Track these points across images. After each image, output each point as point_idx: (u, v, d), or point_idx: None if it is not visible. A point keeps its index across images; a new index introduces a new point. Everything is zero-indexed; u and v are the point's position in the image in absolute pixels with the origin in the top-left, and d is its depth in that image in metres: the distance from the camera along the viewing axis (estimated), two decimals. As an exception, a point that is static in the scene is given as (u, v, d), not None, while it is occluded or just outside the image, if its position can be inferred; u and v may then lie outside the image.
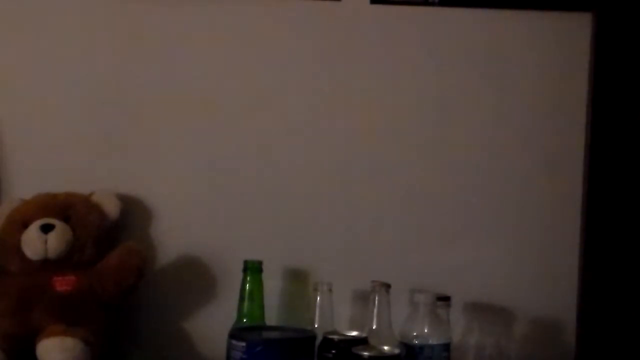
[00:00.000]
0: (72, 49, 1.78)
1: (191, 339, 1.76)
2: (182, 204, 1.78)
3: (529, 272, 1.75)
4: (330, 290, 1.64)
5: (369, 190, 1.77)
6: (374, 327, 1.59)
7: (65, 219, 1.65)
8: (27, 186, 1.74)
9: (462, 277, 1.74)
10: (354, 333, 1.53)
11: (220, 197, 1.78)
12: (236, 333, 1.49)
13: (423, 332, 1.54)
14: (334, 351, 1.47)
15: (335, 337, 1.49)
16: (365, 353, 1.41)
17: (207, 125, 1.78)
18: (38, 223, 1.63)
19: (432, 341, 1.53)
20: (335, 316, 1.64)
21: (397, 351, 1.46)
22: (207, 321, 1.76)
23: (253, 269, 1.62)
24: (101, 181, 1.75)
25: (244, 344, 1.44)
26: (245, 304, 1.61)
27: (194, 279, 1.77)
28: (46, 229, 1.62)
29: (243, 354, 1.43)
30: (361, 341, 1.49)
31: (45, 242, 1.62)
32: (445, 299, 1.62)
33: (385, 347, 1.46)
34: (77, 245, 1.65)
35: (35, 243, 1.62)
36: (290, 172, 1.78)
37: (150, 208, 1.77)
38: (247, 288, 1.62)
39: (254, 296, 1.62)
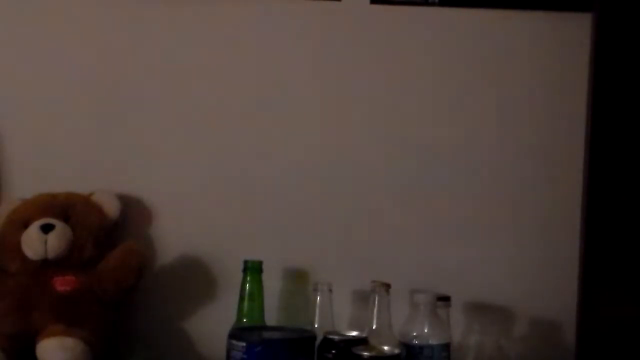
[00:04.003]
0: (72, 48, 1.78)
1: (191, 339, 1.76)
2: (182, 204, 1.78)
3: (529, 272, 1.75)
4: (330, 290, 1.64)
5: (369, 191, 1.77)
6: (374, 327, 1.58)
7: (65, 219, 1.65)
8: (27, 186, 1.74)
9: (462, 277, 1.74)
10: (354, 333, 1.54)
11: (220, 197, 1.78)
12: (236, 333, 1.49)
13: (423, 332, 1.54)
14: (334, 351, 1.47)
15: (335, 337, 1.49)
16: (365, 353, 1.42)
17: (207, 125, 1.78)
18: (38, 223, 1.63)
19: (432, 341, 1.53)
20: (335, 316, 1.64)
21: (397, 351, 1.46)
22: (207, 321, 1.76)
23: (253, 269, 1.62)
24: (101, 181, 1.75)
25: (244, 344, 1.44)
26: (245, 304, 1.61)
27: (194, 279, 1.77)
28: (46, 229, 1.62)
29: (243, 354, 1.43)
30: (361, 341, 1.49)
31: (45, 242, 1.62)
32: (445, 299, 1.61)
33: (385, 347, 1.46)
34: (77, 245, 1.65)
35: (35, 243, 1.62)
36: (290, 172, 1.77)
37: (150, 208, 1.77)
38: (247, 288, 1.62)
39: (254, 296, 1.62)
